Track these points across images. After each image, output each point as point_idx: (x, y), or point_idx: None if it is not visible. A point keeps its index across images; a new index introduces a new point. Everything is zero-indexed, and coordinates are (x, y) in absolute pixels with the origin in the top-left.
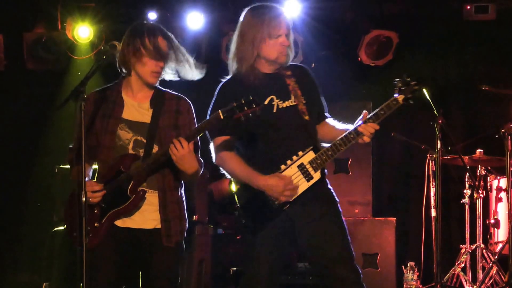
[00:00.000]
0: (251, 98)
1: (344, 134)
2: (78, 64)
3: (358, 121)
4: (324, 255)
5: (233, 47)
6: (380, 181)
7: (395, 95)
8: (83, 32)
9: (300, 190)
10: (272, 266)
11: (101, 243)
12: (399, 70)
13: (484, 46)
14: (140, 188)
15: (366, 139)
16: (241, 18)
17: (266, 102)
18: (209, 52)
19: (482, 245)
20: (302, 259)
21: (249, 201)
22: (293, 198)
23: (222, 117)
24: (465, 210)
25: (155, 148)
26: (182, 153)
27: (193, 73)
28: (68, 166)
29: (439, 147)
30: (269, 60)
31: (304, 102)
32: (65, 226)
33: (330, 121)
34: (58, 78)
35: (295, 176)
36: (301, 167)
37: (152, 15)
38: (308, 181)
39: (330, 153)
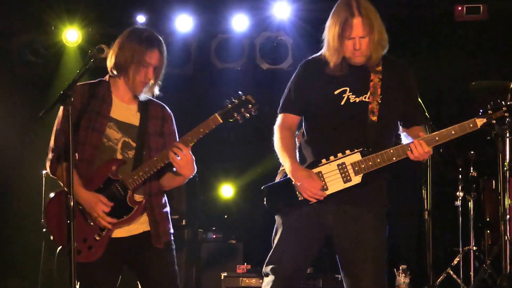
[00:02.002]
0: (243, 98)
1: (401, 145)
2: (66, 68)
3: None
4: (352, 261)
5: (325, 33)
6: None
7: (479, 115)
8: (71, 35)
9: (333, 189)
10: (291, 255)
11: (100, 258)
12: None
13: (476, 46)
14: (138, 196)
15: (413, 157)
16: (333, 9)
17: (336, 92)
18: (198, 54)
19: (475, 248)
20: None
21: (280, 186)
22: (323, 196)
23: (221, 121)
24: (458, 213)
25: (145, 153)
26: (185, 160)
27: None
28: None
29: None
30: (341, 55)
31: (379, 101)
32: (52, 234)
33: (418, 129)
34: (47, 82)
35: (332, 174)
36: (341, 167)
37: (140, 18)
38: (345, 182)
39: (378, 160)
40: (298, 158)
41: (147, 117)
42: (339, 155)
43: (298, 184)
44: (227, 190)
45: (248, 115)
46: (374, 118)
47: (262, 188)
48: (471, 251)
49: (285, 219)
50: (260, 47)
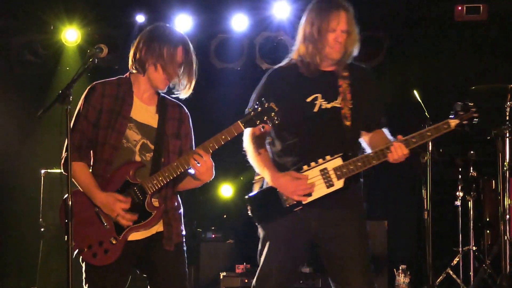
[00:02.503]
0: (266, 105)
1: (379, 148)
2: (65, 68)
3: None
4: (340, 263)
5: (299, 35)
6: (372, 183)
7: (451, 117)
8: (70, 35)
9: (317, 195)
10: (282, 263)
11: (115, 261)
12: (390, 72)
13: (476, 46)
14: (156, 201)
15: (391, 159)
16: (309, 7)
17: (308, 100)
18: (197, 54)
19: (475, 248)
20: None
21: (262, 196)
22: (307, 201)
23: (243, 128)
24: (458, 213)
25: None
26: (205, 167)
27: (185, 93)
28: (57, 170)
29: (430, 149)
30: (324, 54)
31: (351, 106)
32: (70, 239)
33: (382, 132)
34: (45, 82)
35: (315, 180)
36: (324, 172)
37: (140, 18)
38: (328, 187)
39: (359, 164)
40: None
41: (165, 119)
42: (320, 160)
43: (284, 190)
44: (226, 190)
45: (270, 123)
46: (348, 123)
47: (245, 197)
48: (471, 251)
49: (271, 230)
50: (259, 47)
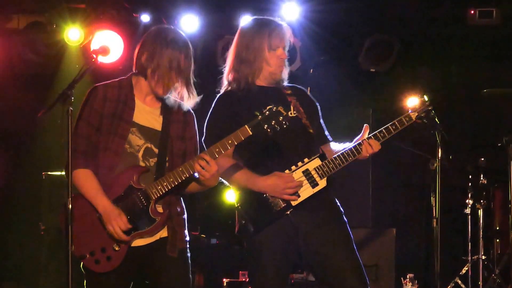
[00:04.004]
0: (274, 109)
1: (353, 145)
2: (68, 67)
3: (364, 134)
4: (332, 263)
5: (230, 58)
6: (380, 190)
7: (409, 111)
8: (73, 34)
9: (304, 196)
10: (278, 270)
11: (117, 267)
12: (401, 76)
13: (489, 51)
14: (160, 207)
15: (364, 155)
16: (241, 30)
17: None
18: (204, 56)
19: (484, 257)
20: (299, 270)
21: (250, 206)
22: (296, 203)
23: (251, 133)
24: (468, 221)
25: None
26: (211, 172)
27: (189, 104)
28: (58, 173)
29: (440, 156)
30: (265, 73)
31: (306, 117)
32: (69, 243)
33: (333, 144)
34: (47, 81)
35: (300, 181)
36: (306, 173)
37: (145, 17)
38: (313, 187)
39: (337, 161)
40: None
41: (170, 121)
42: (299, 163)
43: (273, 190)
44: (231, 195)
45: (278, 127)
46: (311, 131)
47: (236, 206)
48: (480, 260)
49: (264, 238)
50: None
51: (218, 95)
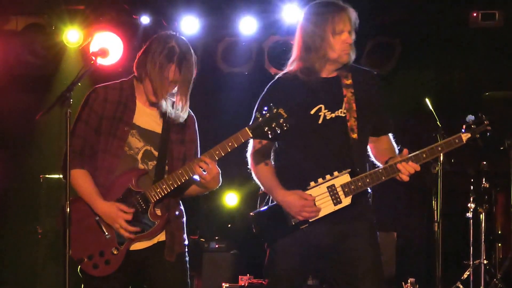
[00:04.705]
0: (275, 111)
1: (389, 164)
2: (67, 69)
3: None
4: (355, 277)
5: (295, 46)
6: (381, 194)
7: (462, 131)
8: (72, 36)
9: (324, 212)
10: (291, 282)
11: (115, 271)
12: (403, 79)
13: (491, 53)
14: (159, 210)
15: (404, 178)
16: (303, 15)
17: (312, 112)
18: (204, 58)
19: (486, 261)
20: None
21: (266, 213)
22: (314, 219)
23: (251, 135)
24: (469, 225)
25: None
26: (211, 175)
27: (182, 113)
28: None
29: (441, 159)
30: (331, 59)
31: (356, 117)
32: (67, 246)
33: (388, 139)
34: (46, 84)
35: (322, 197)
36: (331, 189)
37: (145, 19)
38: (335, 204)
39: (368, 180)
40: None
41: (170, 123)
42: (328, 177)
43: (290, 209)
44: (231, 199)
45: (279, 130)
46: (355, 136)
47: (250, 214)
48: (482, 264)
49: (279, 248)
50: (268, 51)
51: (275, 78)
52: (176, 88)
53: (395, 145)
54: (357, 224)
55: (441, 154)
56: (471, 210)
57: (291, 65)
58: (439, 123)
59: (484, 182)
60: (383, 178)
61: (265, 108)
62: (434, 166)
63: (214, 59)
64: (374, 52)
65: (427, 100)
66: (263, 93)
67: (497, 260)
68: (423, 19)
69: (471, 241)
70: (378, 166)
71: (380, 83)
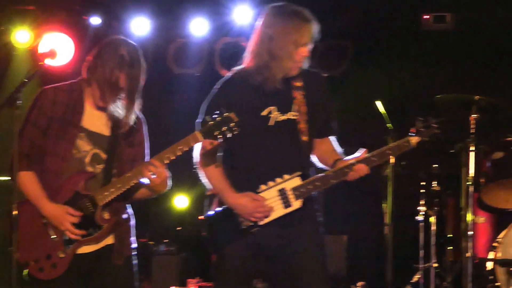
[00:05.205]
0: (225, 115)
1: (339, 167)
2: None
3: (356, 156)
4: (302, 280)
5: (256, 44)
6: (332, 197)
7: (411, 134)
8: (21, 36)
9: (274, 215)
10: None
11: (61, 274)
12: (355, 81)
13: (442, 56)
14: (106, 213)
15: (353, 179)
16: (266, 17)
17: (263, 114)
18: (155, 59)
19: (436, 264)
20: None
21: (217, 217)
22: (264, 222)
23: (202, 139)
24: (420, 228)
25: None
26: (160, 178)
27: (125, 117)
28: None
29: (392, 162)
30: (287, 68)
31: (306, 119)
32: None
33: (329, 142)
34: None
35: (273, 200)
36: (282, 192)
37: (95, 20)
38: (285, 207)
39: (318, 184)
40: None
41: (118, 126)
42: (278, 180)
43: (241, 211)
44: (181, 201)
45: (229, 134)
46: (305, 138)
47: (199, 218)
48: (432, 267)
49: (227, 252)
50: (220, 53)
51: (227, 76)
52: (124, 93)
53: (338, 147)
54: (304, 227)
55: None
56: (422, 213)
57: (244, 65)
58: (390, 126)
59: (434, 185)
60: (333, 181)
61: (216, 112)
62: (384, 168)
63: (165, 60)
64: (326, 55)
65: (378, 102)
66: (214, 92)
67: (448, 263)
68: (375, 21)
69: (422, 244)
70: (322, 168)
71: (327, 85)
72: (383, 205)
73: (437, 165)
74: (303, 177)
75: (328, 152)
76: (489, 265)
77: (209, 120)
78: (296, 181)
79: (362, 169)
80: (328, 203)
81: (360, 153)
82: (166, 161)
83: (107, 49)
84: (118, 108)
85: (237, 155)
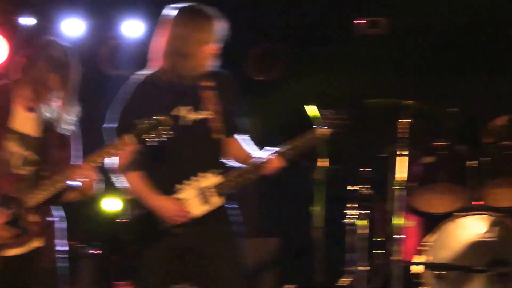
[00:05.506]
0: (158, 118)
1: (255, 162)
2: None
3: (269, 151)
4: (215, 280)
5: (160, 42)
6: (265, 200)
7: (318, 127)
8: None
9: (195, 213)
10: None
11: None
12: (287, 85)
13: (375, 61)
14: (34, 216)
15: (268, 171)
16: (170, 18)
17: (175, 113)
18: (87, 60)
19: (366, 267)
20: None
21: (138, 218)
22: (185, 222)
23: (133, 142)
24: (350, 231)
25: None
26: (90, 181)
27: (56, 119)
28: None
29: (323, 165)
30: (196, 66)
31: (219, 117)
32: None
33: (243, 140)
34: None
35: (192, 199)
36: (202, 190)
37: (28, 20)
38: (206, 205)
39: (236, 180)
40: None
41: (49, 128)
42: (195, 178)
43: (165, 210)
44: (111, 204)
45: (160, 138)
46: (219, 136)
47: (119, 221)
48: (361, 271)
49: (149, 254)
50: None
51: (137, 80)
52: (56, 95)
53: (252, 144)
54: (224, 228)
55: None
56: (352, 216)
57: (152, 67)
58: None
59: (364, 188)
60: (251, 176)
61: (147, 116)
62: (316, 172)
63: (98, 61)
64: (258, 59)
65: (310, 106)
66: (124, 96)
67: (377, 267)
68: (309, 25)
69: (352, 248)
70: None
71: (235, 84)
72: (314, 208)
73: (367, 169)
74: (221, 174)
75: (241, 150)
76: (417, 269)
77: (140, 123)
78: (214, 179)
79: (277, 162)
80: (263, 207)
81: (273, 149)
82: (95, 165)
83: (39, 50)
84: (49, 110)
85: (154, 157)
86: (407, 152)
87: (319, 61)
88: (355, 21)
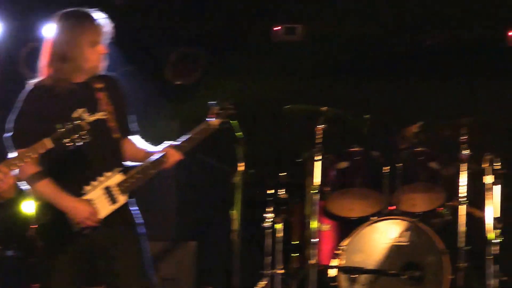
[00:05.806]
0: (76, 123)
1: (154, 158)
2: None
3: (166, 145)
4: (121, 281)
5: (47, 52)
6: (183, 202)
7: (210, 118)
8: None
9: (104, 213)
10: None
11: None
12: (209, 88)
13: (292, 67)
14: None
15: (167, 165)
16: (56, 24)
17: (73, 116)
18: (6, 63)
19: (282, 271)
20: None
21: (49, 221)
22: (95, 223)
23: (51, 146)
24: (267, 235)
25: None
26: (8, 184)
27: None
28: None
29: (241, 169)
30: (85, 69)
31: (114, 118)
32: None
33: (134, 138)
34: None
35: (100, 199)
36: (107, 190)
37: None
38: (113, 204)
39: (139, 176)
40: None
41: None
42: (101, 178)
43: (78, 212)
44: (30, 206)
45: (80, 141)
46: (117, 135)
47: (31, 227)
48: (278, 274)
49: (60, 257)
50: None
51: (28, 88)
52: None
53: (144, 143)
54: (128, 229)
55: (240, 162)
56: (269, 220)
57: (42, 73)
58: (240, 134)
59: (281, 192)
60: (153, 171)
61: (68, 120)
62: (234, 175)
63: (17, 64)
64: (178, 63)
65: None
66: (20, 105)
67: (293, 270)
68: (228, 31)
69: (268, 251)
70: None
71: (122, 86)
72: (231, 211)
73: (284, 174)
74: (123, 172)
75: (137, 149)
76: (332, 272)
77: (61, 127)
78: (118, 177)
79: (175, 156)
80: (181, 210)
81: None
82: (13, 168)
83: None
84: None
85: (56, 160)
86: (323, 157)
87: (238, 66)
88: (274, 28)
